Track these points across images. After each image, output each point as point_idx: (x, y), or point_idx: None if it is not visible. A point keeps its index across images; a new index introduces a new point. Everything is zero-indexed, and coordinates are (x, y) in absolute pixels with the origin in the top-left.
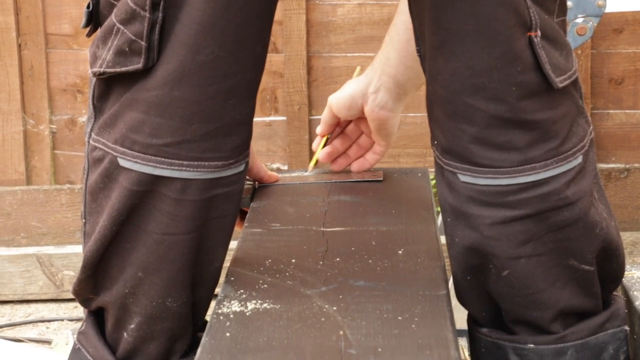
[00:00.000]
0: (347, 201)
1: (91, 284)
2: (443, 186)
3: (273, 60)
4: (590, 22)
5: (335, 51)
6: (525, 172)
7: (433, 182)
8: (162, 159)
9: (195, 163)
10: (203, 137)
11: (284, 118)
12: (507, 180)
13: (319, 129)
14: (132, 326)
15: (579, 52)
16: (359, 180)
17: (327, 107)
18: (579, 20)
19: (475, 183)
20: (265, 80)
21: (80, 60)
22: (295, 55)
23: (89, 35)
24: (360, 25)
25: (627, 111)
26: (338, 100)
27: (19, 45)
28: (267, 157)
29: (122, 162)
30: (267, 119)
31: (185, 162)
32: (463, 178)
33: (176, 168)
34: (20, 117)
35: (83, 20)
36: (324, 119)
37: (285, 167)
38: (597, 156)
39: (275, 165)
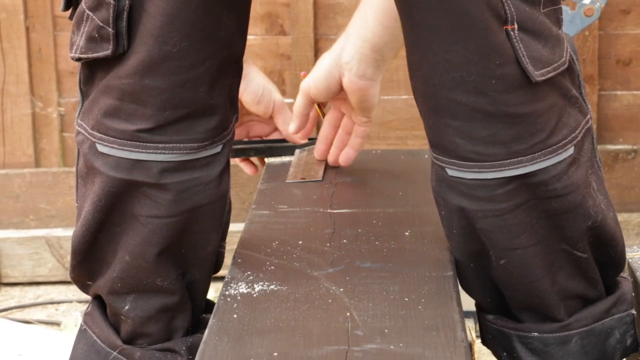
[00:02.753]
0: (353, 183)
1: (86, 270)
2: (434, 179)
3: (280, 42)
4: (598, 3)
5: (342, 33)
6: (512, 166)
7: None
8: (138, 143)
9: (170, 145)
10: (176, 121)
11: (292, 100)
12: (494, 174)
13: (292, 127)
14: (127, 307)
15: (587, 33)
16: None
17: (300, 96)
18: (586, 1)
19: (462, 177)
20: (273, 63)
21: None
22: (302, 38)
23: (71, 18)
24: None
25: (634, 92)
26: (315, 83)
27: (27, 28)
28: None
29: (100, 148)
30: None
31: (160, 145)
32: (451, 172)
33: (152, 151)
34: (28, 99)
35: (62, 3)
36: (297, 110)
37: None
38: (604, 138)
39: None
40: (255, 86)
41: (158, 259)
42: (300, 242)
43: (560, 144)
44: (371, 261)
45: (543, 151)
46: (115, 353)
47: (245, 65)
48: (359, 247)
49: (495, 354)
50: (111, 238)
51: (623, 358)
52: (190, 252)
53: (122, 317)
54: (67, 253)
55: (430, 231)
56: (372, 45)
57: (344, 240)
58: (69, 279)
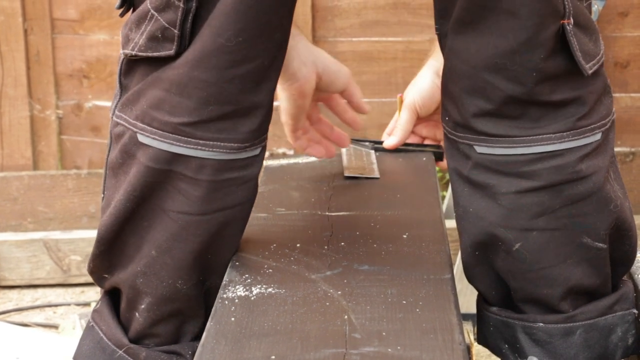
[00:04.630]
0: (351, 185)
1: (106, 262)
2: (458, 158)
3: None
4: (596, 6)
5: (340, 36)
6: (541, 142)
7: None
8: (179, 137)
9: (211, 143)
10: (219, 119)
11: None
12: (522, 150)
13: (393, 140)
14: (142, 306)
15: None
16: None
17: (405, 112)
18: None
19: (491, 153)
20: None
21: (86, 45)
22: None
23: (121, 15)
24: (365, 9)
25: (632, 95)
26: (421, 96)
27: (25, 31)
28: (273, 142)
29: (141, 138)
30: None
31: (201, 142)
32: (479, 149)
33: (192, 147)
34: (26, 102)
35: (118, 1)
36: (403, 126)
37: (291, 152)
38: None
39: (281, 150)
40: (330, 65)
41: (184, 258)
42: (298, 244)
43: (589, 127)
44: (369, 264)
45: (572, 131)
46: (120, 352)
47: (311, 47)
48: (356, 250)
49: (494, 349)
50: (136, 231)
51: (623, 357)
52: (216, 258)
53: (136, 314)
54: (65, 256)
55: (428, 234)
56: None
57: (342, 243)
58: (67, 281)
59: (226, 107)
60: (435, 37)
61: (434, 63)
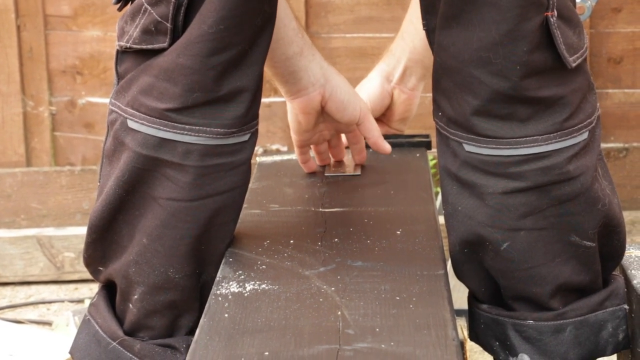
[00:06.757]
0: (345, 182)
1: (100, 252)
2: (448, 156)
3: None
4: (589, 1)
5: (334, 32)
6: (527, 144)
7: (432, 162)
8: (165, 122)
9: (196, 128)
10: (204, 104)
11: (283, 99)
12: (509, 151)
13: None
14: (135, 296)
15: None
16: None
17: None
18: None
19: (478, 153)
20: None
21: (80, 41)
22: None
23: (119, 9)
24: (359, 5)
25: (625, 90)
26: (370, 99)
27: (18, 27)
28: (267, 138)
29: (130, 124)
30: (266, 100)
31: (187, 127)
32: (468, 147)
33: (178, 132)
34: (19, 98)
35: None
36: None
37: (285, 148)
38: None
39: (274, 146)
40: (340, 94)
41: (175, 246)
42: (291, 241)
43: (576, 127)
44: (362, 260)
45: (559, 132)
46: (114, 344)
47: (327, 71)
48: (350, 246)
49: (485, 345)
50: (129, 221)
51: (614, 353)
52: (209, 247)
53: (130, 305)
54: (58, 252)
55: (422, 230)
56: (422, 65)
57: (336, 239)
58: (60, 278)
59: (210, 93)
60: (392, 39)
61: (384, 67)
